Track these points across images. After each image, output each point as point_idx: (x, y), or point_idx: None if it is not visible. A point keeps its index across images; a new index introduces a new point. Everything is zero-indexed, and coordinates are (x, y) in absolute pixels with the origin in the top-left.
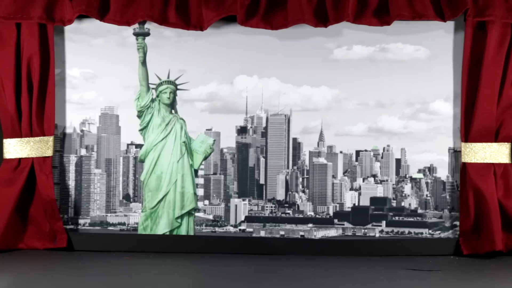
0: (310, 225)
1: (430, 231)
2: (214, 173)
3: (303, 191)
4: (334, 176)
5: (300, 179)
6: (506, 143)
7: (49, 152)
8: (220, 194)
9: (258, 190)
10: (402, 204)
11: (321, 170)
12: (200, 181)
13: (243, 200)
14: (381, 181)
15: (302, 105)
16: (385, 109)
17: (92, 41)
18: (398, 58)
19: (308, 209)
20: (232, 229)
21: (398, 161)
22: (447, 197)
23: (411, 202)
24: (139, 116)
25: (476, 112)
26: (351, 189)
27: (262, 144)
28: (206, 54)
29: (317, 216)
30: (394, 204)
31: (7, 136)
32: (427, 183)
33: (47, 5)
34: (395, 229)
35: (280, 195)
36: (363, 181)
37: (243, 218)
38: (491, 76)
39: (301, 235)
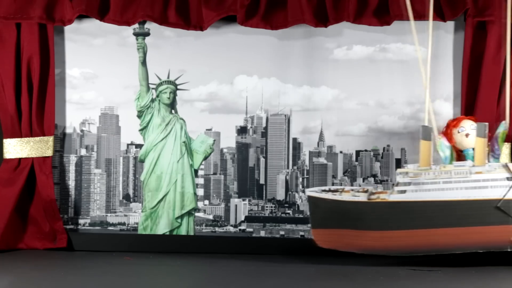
0: (310, 225)
1: None
2: (214, 173)
3: (303, 191)
4: (334, 176)
5: (300, 179)
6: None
7: (49, 152)
8: (220, 194)
9: (258, 190)
10: None
11: (321, 170)
12: (200, 181)
13: (243, 200)
14: (381, 181)
15: (302, 105)
16: (385, 109)
17: (92, 41)
18: (398, 58)
19: (308, 209)
20: (232, 229)
21: (398, 161)
22: None
23: None
24: (139, 116)
25: (476, 112)
26: None
27: (262, 144)
28: (206, 54)
29: None
30: None
31: (7, 136)
32: None
33: (47, 5)
34: None
35: (280, 195)
36: (363, 181)
37: (243, 218)
38: (491, 76)
39: (301, 235)
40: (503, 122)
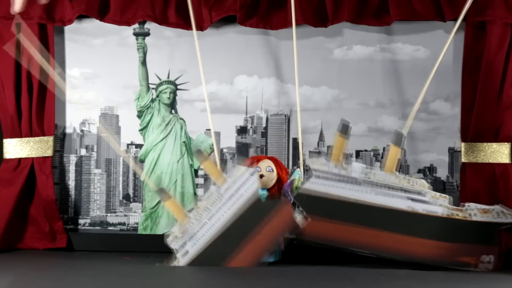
0: None
1: None
2: None
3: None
4: None
5: None
6: (506, 143)
7: (49, 152)
8: None
9: None
10: None
11: None
12: (200, 181)
13: None
14: None
15: (302, 105)
16: (385, 109)
17: (92, 41)
18: (398, 58)
19: None
20: None
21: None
22: None
23: None
24: (139, 116)
25: (475, 112)
26: None
27: (262, 144)
28: (206, 54)
29: None
30: None
31: (7, 136)
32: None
33: (47, 5)
34: None
35: None
36: None
37: None
38: (490, 76)
39: None
40: (297, 170)
